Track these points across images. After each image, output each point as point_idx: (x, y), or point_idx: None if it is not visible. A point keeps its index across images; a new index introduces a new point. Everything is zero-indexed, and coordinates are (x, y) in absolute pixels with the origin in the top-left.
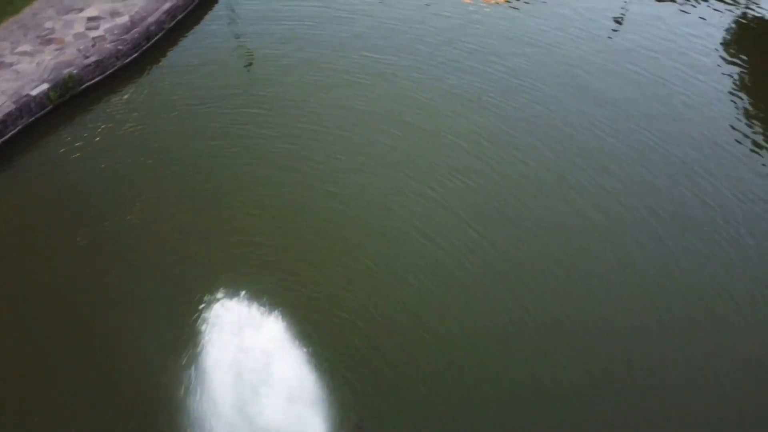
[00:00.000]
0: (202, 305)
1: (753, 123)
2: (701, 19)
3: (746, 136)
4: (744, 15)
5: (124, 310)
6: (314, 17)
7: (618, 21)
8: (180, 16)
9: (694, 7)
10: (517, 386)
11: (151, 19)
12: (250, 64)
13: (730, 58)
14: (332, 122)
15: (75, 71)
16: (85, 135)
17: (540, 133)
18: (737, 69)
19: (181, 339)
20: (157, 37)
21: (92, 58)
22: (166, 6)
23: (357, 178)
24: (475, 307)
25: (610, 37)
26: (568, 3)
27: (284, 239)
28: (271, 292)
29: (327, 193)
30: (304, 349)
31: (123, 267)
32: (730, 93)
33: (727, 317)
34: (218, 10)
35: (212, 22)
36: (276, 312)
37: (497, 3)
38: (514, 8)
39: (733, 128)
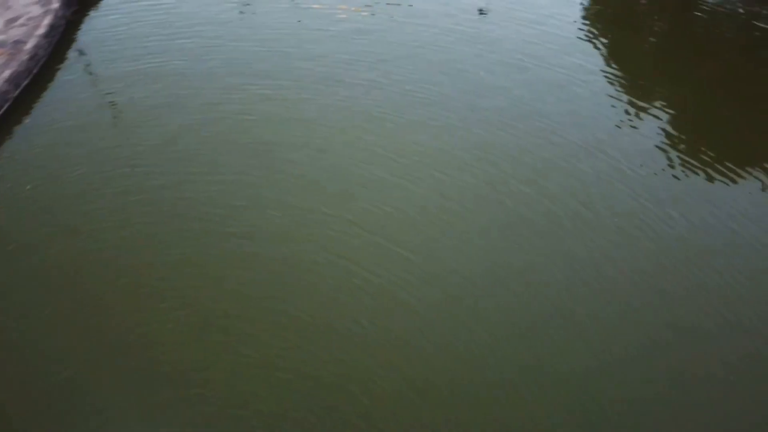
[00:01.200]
0: None
1: (626, 93)
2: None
3: (628, 108)
4: None
5: None
6: (177, 51)
7: (482, 12)
8: (26, 82)
9: None
10: None
11: None
12: (118, 114)
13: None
14: (225, 162)
15: None
16: None
17: (446, 135)
18: (602, 43)
19: None
20: (6, 108)
21: None
22: (5, 74)
23: (265, 216)
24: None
25: (477, 29)
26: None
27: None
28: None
29: (228, 234)
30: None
31: None
32: (602, 70)
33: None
34: (72, 60)
35: (68, 74)
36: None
37: (357, 10)
38: (387, 16)
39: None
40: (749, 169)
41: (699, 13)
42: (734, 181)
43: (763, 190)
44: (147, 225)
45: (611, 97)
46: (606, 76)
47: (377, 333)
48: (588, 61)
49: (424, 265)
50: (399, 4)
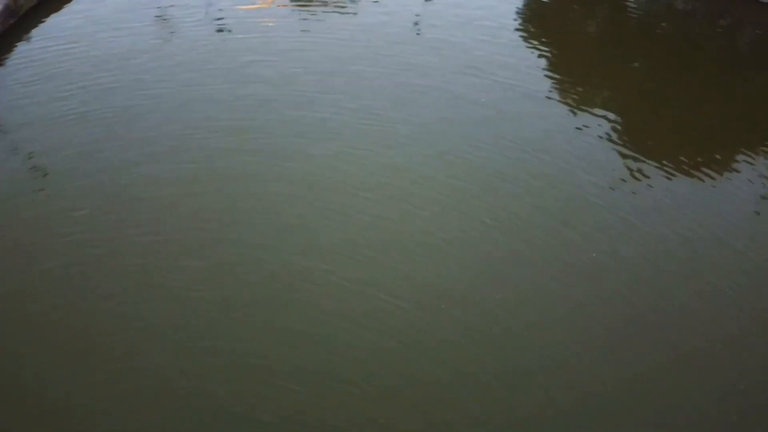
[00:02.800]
0: None
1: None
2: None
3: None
4: None
5: None
6: (92, 93)
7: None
8: None
9: None
10: None
11: None
12: (43, 182)
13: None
14: (171, 222)
15: None
16: None
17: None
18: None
19: None
20: None
21: None
22: None
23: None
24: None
25: (418, 34)
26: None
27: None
28: None
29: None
30: None
31: None
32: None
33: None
34: None
35: None
36: None
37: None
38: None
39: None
40: (695, 159)
41: (631, 11)
42: (685, 173)
43: (705, 180)
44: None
45: (553, 100)
46: (548, 79)
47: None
48: (528, 65)
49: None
50: (324, 20)
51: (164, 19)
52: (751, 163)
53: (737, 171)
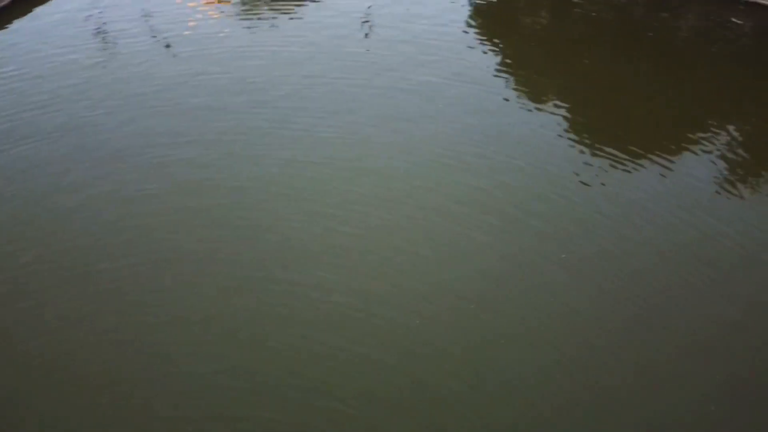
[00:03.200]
0: None
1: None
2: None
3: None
4: None
5: None
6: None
7: (366, 21)
8: None
9: None
10: None
11: None
12: None
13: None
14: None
15: None
16: None
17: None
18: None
19: None
20: None
21: None
22: None
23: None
24: None
25: (366, 35)
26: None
27: None
28: None
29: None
30: None
31: None
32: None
33: None
34: None
35: None
36: None
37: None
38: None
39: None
40: (647, 144)
41: (576, 5)
42: (644, 158)
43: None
44: None
45: (505, 97)
46: (501, 76)
47: None
48: (480, 66)
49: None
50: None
51: (104, 34)
52: (704, 147)
53: (693, 153)
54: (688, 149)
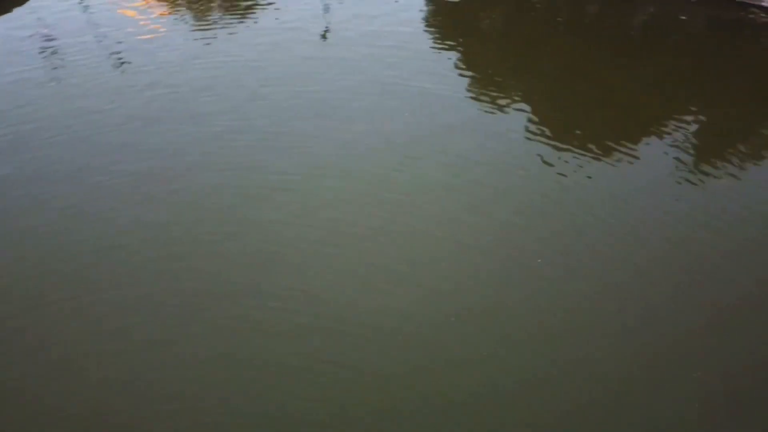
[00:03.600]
0: None
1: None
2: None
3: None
4: None
5: None
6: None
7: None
8: None
9: None
10: None
11: None
12: None
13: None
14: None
15: None
16: None
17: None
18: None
19: None
20: None
21: None
22: None
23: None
24: None
25: (324, 37)
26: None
27: None
28: None
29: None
30: None
31: None
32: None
33: None
34: None
35: None
36: None
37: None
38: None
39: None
40: (615, 140)
41: (534, 3)
42: (610, 154)
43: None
44: None
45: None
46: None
47: None
48: (442, 68)
49: None
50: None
51: (53, 52)
52: (665, 136)
53: (655, 144)
54: (649, 139)
